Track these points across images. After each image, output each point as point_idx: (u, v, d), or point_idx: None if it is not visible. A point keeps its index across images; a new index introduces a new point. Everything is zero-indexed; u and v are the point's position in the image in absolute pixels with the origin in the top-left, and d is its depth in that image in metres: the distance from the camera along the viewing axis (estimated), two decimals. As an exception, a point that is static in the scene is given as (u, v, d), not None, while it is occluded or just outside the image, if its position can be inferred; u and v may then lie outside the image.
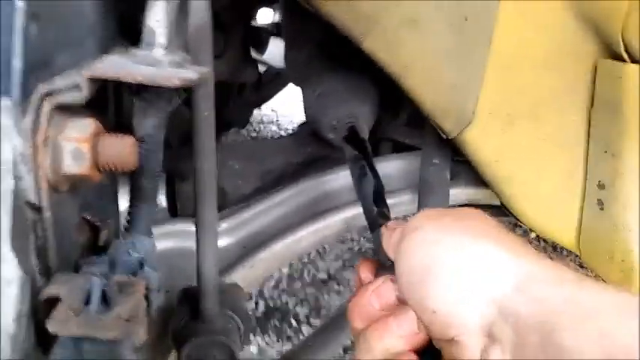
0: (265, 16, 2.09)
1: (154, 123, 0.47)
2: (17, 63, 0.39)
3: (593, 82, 0.85)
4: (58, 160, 0.41)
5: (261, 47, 1.73)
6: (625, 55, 0.79)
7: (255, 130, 3.02)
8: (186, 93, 0.50)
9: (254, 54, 1.59)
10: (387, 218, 0.73)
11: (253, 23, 1.75)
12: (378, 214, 0.72)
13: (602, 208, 0.85)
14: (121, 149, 0.40)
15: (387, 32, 0.80)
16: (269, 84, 1.76)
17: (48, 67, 0.42)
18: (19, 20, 0.38)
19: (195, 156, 0.55)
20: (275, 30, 1.86)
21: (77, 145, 0.39)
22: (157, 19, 0.44)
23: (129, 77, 0.40)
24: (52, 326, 0.38)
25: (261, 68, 1.76)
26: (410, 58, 0.82)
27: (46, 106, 0.41)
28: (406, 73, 0.83)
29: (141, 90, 0.45)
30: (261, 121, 3.11)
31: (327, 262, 2.06)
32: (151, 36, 0.44)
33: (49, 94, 0.41)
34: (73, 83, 0.40)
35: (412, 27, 0.80)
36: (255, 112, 3.17)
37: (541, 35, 0.83)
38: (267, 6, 1.81)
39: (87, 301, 0.38)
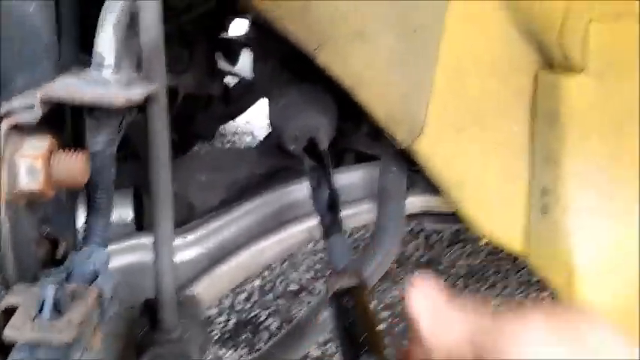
0: (239, 27, 2.10)
1: (105, 139, 0.50)
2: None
3: (534, 91, 0.90)
4: (14, 177, 0.44)
5: (233, 59, 1.75)
6: (561, 67, 0.84)
7: (229, 141, 3.04)
8: (139, 110, 0.53)
9: (227, 65, 1.61)
10: (339, 226, 0.76)
11: (225, 35, 1.76)
12: (330, 221, 0.76)
13: (545, 212, 0.90)
14: (72, 165, 0.43)
15: (337, 46, 0.84)
16: (240, 96, 1.79)
17: (7, 88, 0.45)
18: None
19: (150, 170, 0.58)
20: (248, 41, 1.88)
21: (31, 162, 0.42)
22: (105, 39, 0.47)
23: (77, 99, 0.43)
24: (8, 333, 0.40)
25: (234, 80, 1.78)
26: (360, 70, 0.86)
27: (4, 126, 0.44)
28: (358, 85, 0.87)
29: (92, 108, 0.48)
30: (236, 132, 3.13)
31: (299, 273, 2.09)
32: (100, 56, 0.47)
33: (7, 115, 0.44)
34: (28, 104, 0.43)
35: (361, 40, 0.84)
36: (231, 123, 3.19)
37: (486, 45, 0.87)
38: (240, 17, 1.83)
39: (41, 309, 0.40)
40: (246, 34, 2.00)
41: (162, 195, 0.59)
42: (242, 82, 1.81)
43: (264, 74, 1.26)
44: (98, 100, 0.43)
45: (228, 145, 3.08)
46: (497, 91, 0.90)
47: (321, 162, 0.91)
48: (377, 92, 0.89)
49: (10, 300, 0.43)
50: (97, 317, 0.43)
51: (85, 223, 0.51)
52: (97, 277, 0.46)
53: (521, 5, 0.85)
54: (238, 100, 1.92)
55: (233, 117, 1.87)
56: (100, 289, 0.45)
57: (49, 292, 0.40)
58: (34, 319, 0.40)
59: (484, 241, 0.95)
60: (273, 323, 1.84)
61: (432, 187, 1.01)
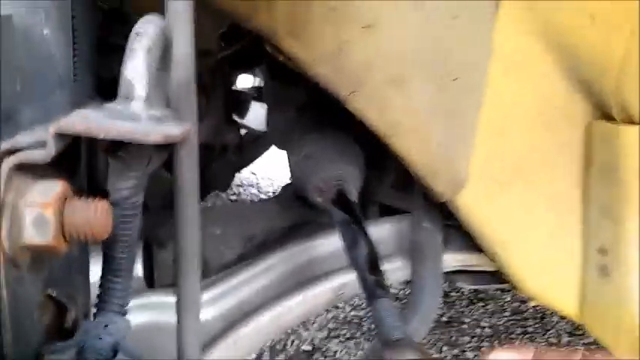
0: (245, 82, 2.11)
1: (131, 185, 0.42)
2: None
3: (586, 143, 0.83)
4: (17, 229, 0.36)
5: (242, 111, 1.72)
6: (619, 117, 0.77)
7: (235, 193, 2.97)
8: (167, 151, 0.45)
9: (236, 118, 1.57)
10: (384, 287, 0.68)
11: (233, 87, 1.74)
12: (375, 282, 0.67)
13: (605, 274, 0.82)
14: (91, 215, 0.35)
15: (372, 91, 0.79)
16: (251, 146, 1.74)
17: (10, 121, 0.37)
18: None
19: (177, 221, 0.50)
20: (256, 94, 1.86)
21: (40, 210, 0.34)
22: (136, 70, 0.39)
23: (102, 133, 0.35)
24: None
25: (242, 132, 1.75)
26: (397, 117, 0.80)
27: (6, 166, 0.36)
28: (394, 132, 0.81)
29: (116, 148, 0.41)
30: (241, 184, 3.07)
31: (311, 331, 1.97)
32: (129, 88, 0.40)
33: (10, 152, 0.36)
34: (37, 140, 0.35)
35: (397, 86, 0.78)
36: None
37: (532, 96, 0.82)
38: (246, 72, 1.82)
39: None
40: (254, 87, 1.99)
41: (189, 249, 0.50)
42: (250, 133, 1.77)
43: (281, 124, 1.21)
44: (128, 136, 0.36)
45: (233, 198, 3.01)
46: (545, 143, 0.84)
47: (354, 215, 0.83)
48: (415, 141, 0.82)
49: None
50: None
51: (101, 284, 0.42)
52: (117, 353, 0.38)
53: (572, 48, 0.79)
54: (250, 149, 1.87)
55: (245, 165, 1.82)
56: (120, 370, 0.36)
57: (59, 379, 0.31)
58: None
59: (507, 298, 0.86)
60: (286, 388, 1.71)
61: (468, 243, 0.93)
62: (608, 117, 0.79)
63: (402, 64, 0.78)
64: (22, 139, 0.36)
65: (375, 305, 0.63)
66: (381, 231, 1.03)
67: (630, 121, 0.77)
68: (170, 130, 0.38)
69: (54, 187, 0.35)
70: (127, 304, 0.43)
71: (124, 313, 0.43)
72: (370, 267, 0.69)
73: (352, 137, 1.02)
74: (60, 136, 0.36)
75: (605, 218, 0.80)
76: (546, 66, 0.80)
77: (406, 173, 1.12)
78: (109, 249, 0.43)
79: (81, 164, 0.46)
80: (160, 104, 0.44)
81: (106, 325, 0.40)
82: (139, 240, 0.97)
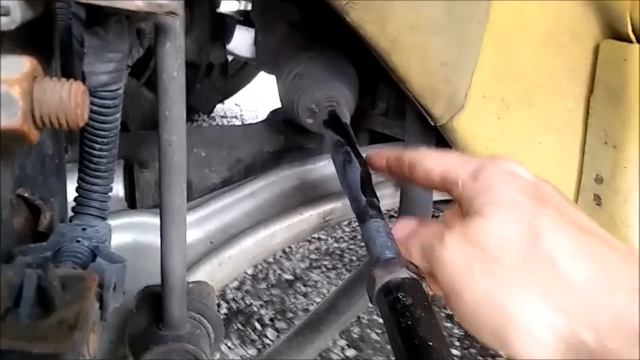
0: (230, 6, 2.02)
1: (111, 69, 0.37)
2: None
3: (594, 66, 0.79)
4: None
5: (227, 35, 1.65)
6: (632, 36, 0.73)
7: (218, 124, 2.91)
8: (151, 37, 0.40)
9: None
10: (377, 208, 0.65)
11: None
12: (367, 203, 0.64)
13: (598, 204, 0.80)
14: (65, 97, 0.30)
15: (375, 1, 0.73)
16: (236, 74, 1.68)
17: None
18: None
19: (161, 127, 0.45)
20: (241, 17, 1.78)
21: (6, 88, 0.29)
22: None
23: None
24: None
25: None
26: (398, 31, 0.75)
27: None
28: (393, 48, 0.76)
29: (94, 23, 0.35)
30: (225, 115, 3.00)
31: (293, 261, 1.97)
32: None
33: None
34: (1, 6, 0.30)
35: (403, -2, 0.73)
36: (218, 106, 3.07)
37: (542, 11, 0.77)
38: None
39: (18, 302, 0.28)
40: (239, 11, 1.90)
41: (174, 162, 0.46)
42: (235, 60, 1.70)
43: (271, 43, 1.15)
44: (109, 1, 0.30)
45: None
46: (551, 63, 0.79)
47: (347, 136, 0.79)
48: (414, 57, 0.77)
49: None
50: (96, 314, 0.30)
51: (79, 186, 0.38)
52: (95, 257, 0.34)
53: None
54: (236, 75, 1.81)
55: (230, 94, 1.76)
56: (100, 274, 0.32)
57: (31, 278, 0.27)
58: (5, 317, 0.28)
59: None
60: (267, 314, 1.72)
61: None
62: (618, 37, 0.75)
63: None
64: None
65: (366, 225, 0.60)
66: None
67: (641, 42, 0.73)
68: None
69: (21, 63, 0.30)
70: (107, 207, 0.39)
71: (104, 217, 0.39)
72: (363, 188, 0.66)
73: (346, 57, 0.97)
74: (27, 1, 0.30)
75: (605, 144, 0.77)
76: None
77: (399, 99, 1.08)
78: (86, 145, 0.38)
79: (54, 54, 0.41)
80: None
81: (84, 229, 0.36)
82: (119, 159, 0.94)
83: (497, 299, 0.43)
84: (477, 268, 0.44)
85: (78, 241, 0.36)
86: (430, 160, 0.55)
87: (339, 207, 0.93)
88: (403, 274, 0.51)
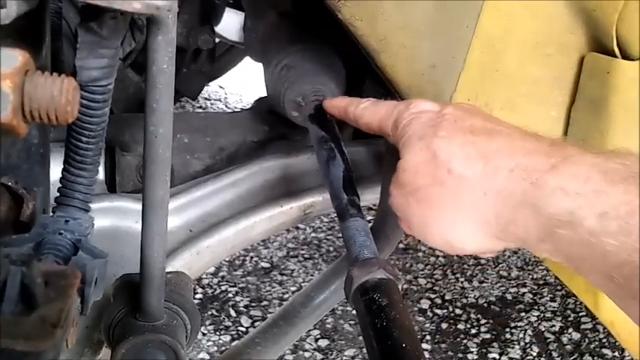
0: None
1: (103, 65, 0.37)
2: None
3: (578, 77, 0.80)
4: (-31, 105, 0.31)
5: (216, 18, 1.63)
6: (616, 50, 0.75)
7: (201, 106, 2.89)
8: (142, 34, 0.40)
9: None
10: (358, 207, 0.65)
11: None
12: (348, 202, 0.65)
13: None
14: (56, 93, 0.30)
15: (367, 0, 0.73)
16: (222, 56, 1.66)
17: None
18: None
19: (147, 119, 0.45)
20: (232, 0, 1.76)
21: (-3, 82, 0.28)
22: None
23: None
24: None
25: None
26: (388, 31, 0.75)
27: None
28: (383, 47, 0.76)
29: (88, 19, 0.35)
30: (209, 98, 2.98)
31: (270, 249, 1.98)
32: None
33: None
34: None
35: (396, -2, 0.73)
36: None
37: (532, 20, 0.78)
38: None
39: (1, 299, 0.28)
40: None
41: (159, 151, 0.46)
42: (222, 43, 1.68)
43: (259, 31, 1.14)
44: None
45: (200, 111, 2.93)
46: (537, 71, 0.81)
47: (331, 132, 0.79)
48: (402, 57, 0.78)
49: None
50: (77, 310, 0.30)
51: (63, 178, 0.38)
52: (77, 251, 0.34)
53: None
54: (222, 58, 1.79)
55: (215, 76, 1.75)
56: (81, 269, 0.32)
57: (15, 274, 0.27)
58: (-13, 311, 0.28)
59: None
60: (242, 301, 1.73)
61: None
62: (604, 51, 0.76)
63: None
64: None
65: (346, 224, 0.61)
66: (356, 154, 1.00)
67: (624, 57, 0.74)
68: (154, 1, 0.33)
69: (14, 56, 0.30)
70: (91, 200, 0.39)
71: (87, 210, 0.39)
72: (345, 186, 0.66)
73: (335, 51, 0.97)
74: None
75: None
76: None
77: (385, 96, 1.08)
78: (73, 138, 0.38)
79: (45, 42, 0.40)
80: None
81: (67, 221, 0.36)
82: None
83: (432, 217, 0.54)
84: (411, 201, 0.56)
85: (60, 234, 0.36)
86: (367, 116, 0.67)
87: (320, 201, 0.93)
88: (380, 274, 0.52)
